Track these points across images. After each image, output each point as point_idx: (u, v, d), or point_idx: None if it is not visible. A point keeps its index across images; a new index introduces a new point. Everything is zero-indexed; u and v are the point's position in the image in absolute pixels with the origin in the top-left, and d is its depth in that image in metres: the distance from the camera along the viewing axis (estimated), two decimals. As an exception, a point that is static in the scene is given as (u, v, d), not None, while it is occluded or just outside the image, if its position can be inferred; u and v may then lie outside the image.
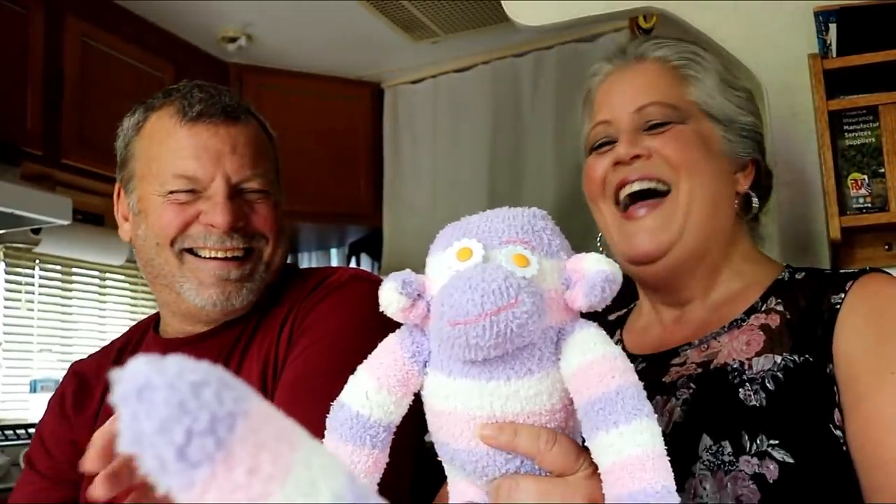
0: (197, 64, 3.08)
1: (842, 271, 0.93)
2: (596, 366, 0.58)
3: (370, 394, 0.62)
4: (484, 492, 0.64)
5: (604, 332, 0.62)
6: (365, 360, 0.64)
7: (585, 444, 0.60)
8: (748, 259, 0.99)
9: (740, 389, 0.84)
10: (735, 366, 0.87)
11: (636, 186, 0.95)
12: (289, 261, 1.26)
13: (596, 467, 0.59)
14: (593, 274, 0.59)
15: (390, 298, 0.61)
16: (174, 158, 1.08)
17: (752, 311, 0.93)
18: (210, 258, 1.09)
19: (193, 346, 1.14)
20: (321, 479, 0.34)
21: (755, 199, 1.00)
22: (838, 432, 0.80)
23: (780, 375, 0.84)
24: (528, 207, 0.65)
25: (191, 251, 1.09)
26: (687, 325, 0.98)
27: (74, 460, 1.18)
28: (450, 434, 0.61)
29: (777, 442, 0.79)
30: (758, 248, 1.03)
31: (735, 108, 1.00)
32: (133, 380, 0.32)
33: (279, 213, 1.15)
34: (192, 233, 1.08)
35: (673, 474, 0.57)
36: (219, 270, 1.08)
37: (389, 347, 0.64)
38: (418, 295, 0.61)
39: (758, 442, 0.80)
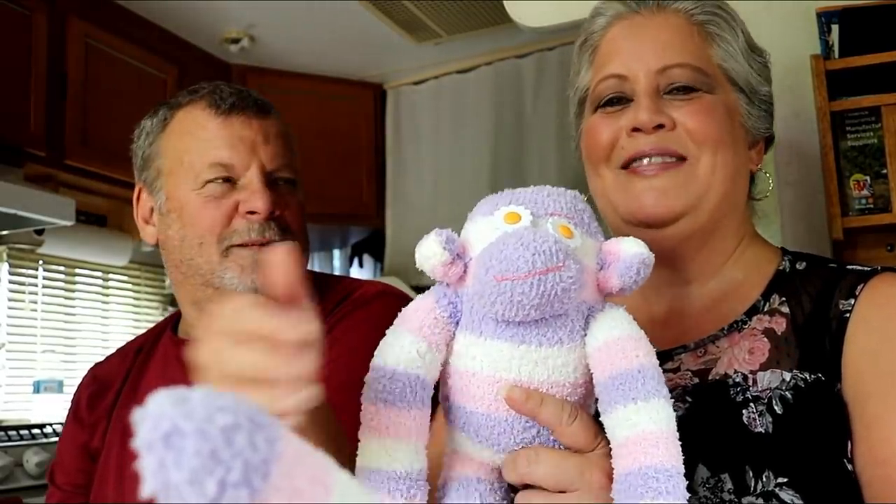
0: (200, 65, 3.08)
1: (849, 267, 0.83)
2: (621, 342, 0.59)
3: (421, 352, 0.61)
4: (488, 466, 0.64)
5: (631, 316, 0.62)
6: (399, 321, 0.63)
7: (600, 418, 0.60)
8: (751, 242, 0.89)
9: (744, 410, 0.76)
10: (738, 379, 0.78)
11: (650, 161, 0.82)
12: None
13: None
14: (630, 256, 0.60)
15: (433, 250, 0.60)
16: (209, 148, 1.09)
17: (753, 310, 0.83)
18: (250, 244, 1.08)
19: None
20: None
21: (771, 180, 0.91)
22: (851, 466, 0.73)
23: (789, 396, 0.75)
24: (567, 188, 0.66)
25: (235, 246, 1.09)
26: (680, 320, 0.87)
27: (84, 466, 1.18)
28: (470, 396, 0.61)
29: (786, 480, 0.71)
30: (755, 229, 0.93)
31: (757, 76, 0.88)
32: (158, 424, 0.29)
33: (304, 212, 1.16)
34: (235, 227, 1.08)
35: (682, 458, 0.57)
36: (259, 254, 1.08)
37: (427, 307, 0.63)
38: (457, 255, 0.61)
39: (763, 479, 0.72)
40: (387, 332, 0.63)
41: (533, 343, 0.59)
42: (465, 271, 0.61)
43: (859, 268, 0.82)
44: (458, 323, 0.63)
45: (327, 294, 1.15)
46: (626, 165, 0.83)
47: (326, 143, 3.32)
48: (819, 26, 1.68)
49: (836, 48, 1.68)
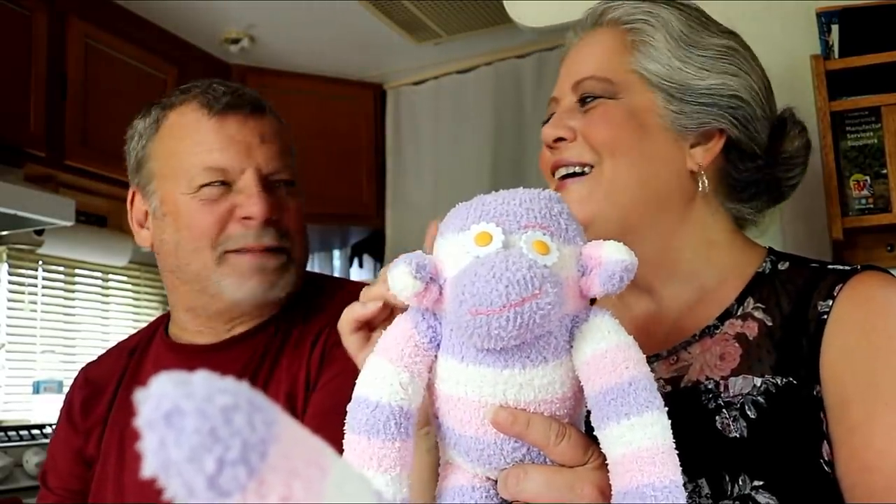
0: (200, 65, 3.08)
1: (830, 267, 0.83)
2: (609, 354, 0.58)
3: (404, 384, 0.60)
4: (479, 478, 0.64)
5: (617, 321, 0.61)
6: (379, 350, 0.62)
7: (594, 432, 0.60)
8: (722, 246, 0.88)
9: (717, 416, 0.77)
10: (710, 386, 0.79)
11: (562, 171, 0.87)
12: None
13: (604, 459, 0.59)
14: (612, 263, 0.58)
15: (404, 283, 0.58)
16: (202, 152, 1.06)
17: (727, 315, 0.83)
18: (246, 251, 1.06)
19: (217, 354, 1.11)
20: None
21: (704, 180, 0.87)
22: (828, 469, 0.73)
23: (762, 401, 0.76)
24: (542, 189, 0.63)
25: (231, 252, 1.07)
26: (656, 328, 0.88)
27: (78, 471, 1.16)
28: (457, 420, 0.61)
29: (761, 483, 0.73)
30: (739, 232, 0.91)
31: (693, 72, 0.87)
32: (160, 403, 0.30)
33: (303, 214, 1.14)
34: (231, 232, 1.06)
35: (680, 468, 0.56)
36: (257, 261, 1.06)
37: (406, 333, 0.61)
38: (430, 278, 0.59)
39: (740, 483, 0.74)
40: (367, 360, 0.62)
41: (517, 366, 0.58)
42: (441, 293, 0.59)
43: (840, 267, 0.82)
44: (439, 345, 0.61)
45: (336, 296, 1.13)
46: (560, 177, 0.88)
47: (326, 143, 3.32)
48: (819, 26, 1.68)
49: (836, 48, 1.67)
